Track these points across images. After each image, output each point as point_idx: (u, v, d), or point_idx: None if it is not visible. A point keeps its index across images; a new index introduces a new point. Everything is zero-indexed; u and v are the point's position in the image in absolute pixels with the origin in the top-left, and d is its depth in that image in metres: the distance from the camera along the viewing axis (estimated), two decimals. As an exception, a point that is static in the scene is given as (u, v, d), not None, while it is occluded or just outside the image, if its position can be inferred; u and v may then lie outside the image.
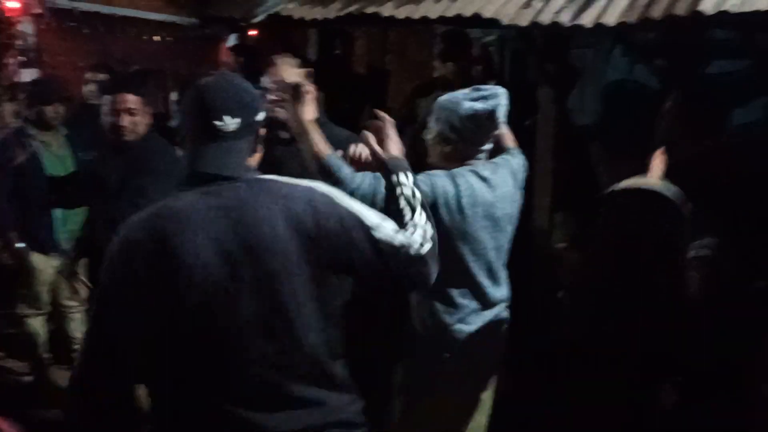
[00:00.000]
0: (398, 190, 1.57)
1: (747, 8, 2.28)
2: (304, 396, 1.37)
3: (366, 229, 1.40)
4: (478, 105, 2.09)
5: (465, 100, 2.11)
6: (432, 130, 2.19)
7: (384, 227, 1.43)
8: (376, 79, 4.63)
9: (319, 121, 2.16)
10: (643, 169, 2.62)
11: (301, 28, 3.64)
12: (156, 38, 6.54)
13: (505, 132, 2.38)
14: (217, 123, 1.38)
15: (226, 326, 1.31)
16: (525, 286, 3.18)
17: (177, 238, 1.30)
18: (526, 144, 3.40)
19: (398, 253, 1.42)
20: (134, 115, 2.70)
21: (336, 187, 1.55)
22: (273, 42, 4.06)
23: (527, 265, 3.19)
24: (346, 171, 1.95)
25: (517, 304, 3.04)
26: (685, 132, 2.93)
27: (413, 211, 1.53)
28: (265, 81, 2.48)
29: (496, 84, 4.18)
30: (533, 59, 3.26)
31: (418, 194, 1.57)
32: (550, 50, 3.07)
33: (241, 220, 1.33)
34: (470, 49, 3.91)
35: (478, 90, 2.13)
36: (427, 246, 1.47)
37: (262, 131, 1.50)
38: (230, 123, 1.39)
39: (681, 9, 2.40)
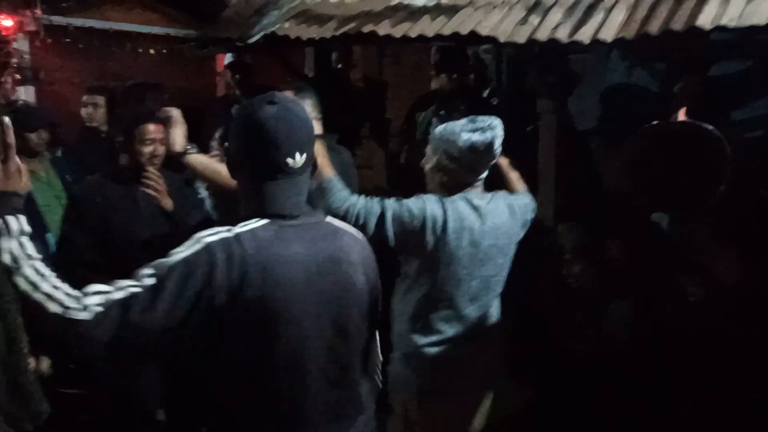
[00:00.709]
0: None
1: (744, 23, 2.27)
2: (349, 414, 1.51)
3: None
4: (476, 137, 2.14)
5: (463, 131, 2.16)
6: (431, 159, 2.23)
7: None
8: (374, 92, 4.63)
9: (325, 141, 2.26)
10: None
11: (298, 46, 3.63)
12: (151, 51, 6.55)
13: (513, 177, 2.50)
14: (290, 161, 1.38)
15: (306, 344, 1.40)
16: (532, 298, 3.20)
17: (274, 268, 1.35)
18: (529, 151, 3.43)
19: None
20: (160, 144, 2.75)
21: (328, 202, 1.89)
22: (270, 59, 4.06)
23: (534, 276, 3.20)
24: (340, 191, 2.09)
25: (525, 316, 3.06)
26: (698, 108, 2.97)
27: None
28: None
29: (494, 91, 4.22)
30: (532, 69, 3.25)
31: None
32: (549, 62, 3.07)
33: (326, 259, 1.42)
34: (465, 60, 3.91)
35: (475, 122, 2.19)
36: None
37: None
38: (300, 160, 1.39)
39: (678, 24, 2.40)
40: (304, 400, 1.42)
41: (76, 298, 1.25)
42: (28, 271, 1.27)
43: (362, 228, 1.95)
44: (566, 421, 2.82)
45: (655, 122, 2.84)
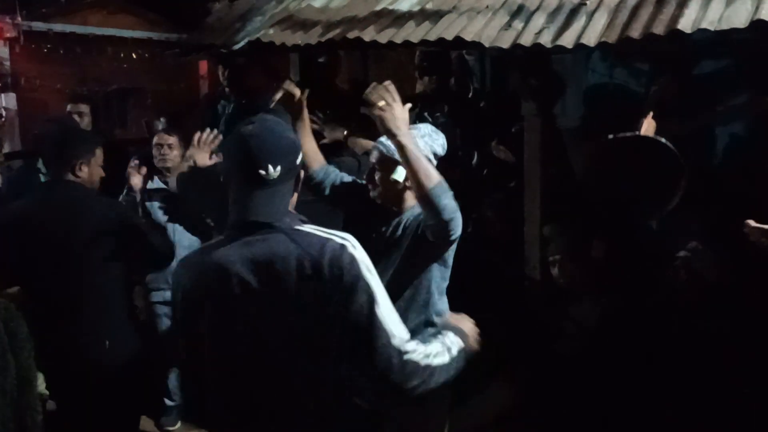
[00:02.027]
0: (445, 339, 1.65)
1: (725, 26, 2.31)
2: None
3: (371, 301, 1.48)
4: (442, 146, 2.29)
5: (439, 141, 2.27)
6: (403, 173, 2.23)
7: (392, 312, 1.52)
8: (358, 96, 4.62)
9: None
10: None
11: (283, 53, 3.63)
12: (133, 56, 6.52)
13: None
14: (262, 172, 1.49)
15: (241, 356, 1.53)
16: (519, 299, 3.24)
17: (221, 284, 1.51)
18: (514, 152, 3.46)
19: (390, 341, 1.48)
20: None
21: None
22: (255, 64, 4.05)
23: (520, 278, 3.24)
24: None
25: (512, 317, 3.09)
26: (673, 107, 3.01)
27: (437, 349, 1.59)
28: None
29: (478, 93, 4.24)
30: (515, 72, 3.27)
31: (454, 351, 1.63)
32: (532, 64, 3.09)
33: (268, 270, 1.49)
34: (449, 64, 3.94)
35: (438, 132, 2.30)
36: (433, 360, 1.55)
37: (302, 173, 1.64)
38: (273, 172, 1.49)
39: (659, 28, 2.43)
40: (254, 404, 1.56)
41: None
42: None
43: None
44: (553, 420, 2.84)
45: (610, 136, 2.89)
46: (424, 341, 1.59)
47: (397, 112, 1.94)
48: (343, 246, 1.50)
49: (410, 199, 2.27)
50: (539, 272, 3.16)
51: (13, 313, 1.57)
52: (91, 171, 2.64)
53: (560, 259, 3.09)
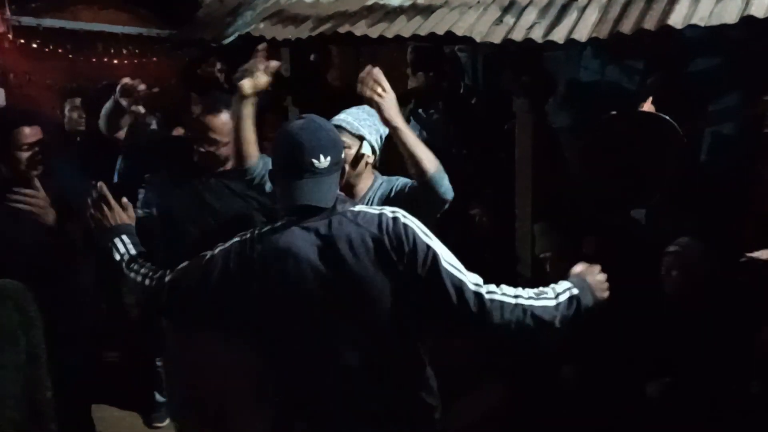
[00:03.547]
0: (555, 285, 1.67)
1: (715, 21, 2.31)
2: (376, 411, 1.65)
3: (433, 254, 1.57)
4: None
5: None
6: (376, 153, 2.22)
7: (455, 262, 1.59)
8: (350, 91, 4.61)
9: None
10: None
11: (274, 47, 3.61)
12: (124, 52, 6.47)
13: None
14: (314, 161, 1.58)
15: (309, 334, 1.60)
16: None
17: (279, 262, 1.58)
18: (506, 150, 3.46)
19: (463, 288, 1.56)
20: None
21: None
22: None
23: (511, 276, 3.23)
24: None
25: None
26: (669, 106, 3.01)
27: (541, 294, 1.62)
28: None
29: (470, 89, 4.24)
30: (507, 69, 3.27)
31: (563, 298, 1.64)
32: (524, 62, 3.08)
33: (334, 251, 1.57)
34: (441, 59, 3.93)
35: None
36: (508, 300, 1.57)
37: (346, 166, 1.74)
38: (323, 161, 1.59)
39: (650, 23, 2.43)
40: (318, 390, 1.63)
41: (153, 275, 1.74)
42: (126, 263, 1.79)
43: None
44: (544, 418, 2.85)
45: (613, 112, 2.87)
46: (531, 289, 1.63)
47: (393, 99, 1.96)
48: (395, 218, 1.60)
49: (368, 177, 2.22)
50: (530, 269, 3.16)
51: (24, 292, 1.62)
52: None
53: (551, 256, 3.09)
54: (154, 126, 3.97)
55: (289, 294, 1.59)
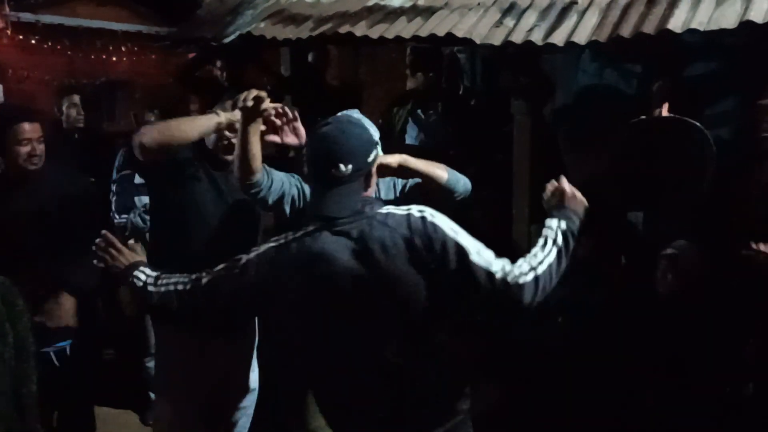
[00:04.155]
0: (546, 230, 1.72)
1: (714, 26, 2.33)
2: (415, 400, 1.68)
3: (463, 250, 1.60)
4: None
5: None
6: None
7: (483, 252, 1.62)
8: (349, 91, 4.63)
9: None
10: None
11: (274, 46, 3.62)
12: (122, 49, 6.48)
13: None
14: (333, 171, 1.61)
15: (345, 333, 1.64)
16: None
17: (316, 267, 1.62)
18: (505, 152, 3.47)
19: (493, 278, 1.59)
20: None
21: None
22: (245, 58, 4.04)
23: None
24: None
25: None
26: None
27: (545, 245, 1.67)
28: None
29: (468, 91, 4.25)
30: (506, 71, 3.28)
31: (560, 238, 1.69)
32: (523, 64, 3.10)
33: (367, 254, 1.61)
34: (440, 60, 3.94)
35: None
36: (528, 277, 1.60)
37: (373, 170, 1.74)
38: (344, 170, 1.61)
39: (650, 27, 2.45)
40: (351, 383, 1.67)
41: (188, 279, 1.76)
42: (151, 281, 1.81)
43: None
44: (539, 418, 2.86)
45: (642, 117, 2.84)
46: (533, 251, 1.67)
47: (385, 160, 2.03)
48: (423, 218, 1.63)
49: None
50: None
51: (10, 287, 1.61)
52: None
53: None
54: (153, 120, 3.97)
55: (326, 297, 1.63)
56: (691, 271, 2.74)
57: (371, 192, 1.79)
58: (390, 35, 2.95)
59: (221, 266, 1.75)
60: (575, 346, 2.88)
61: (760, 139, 2.70)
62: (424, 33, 2.87)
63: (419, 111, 3.94)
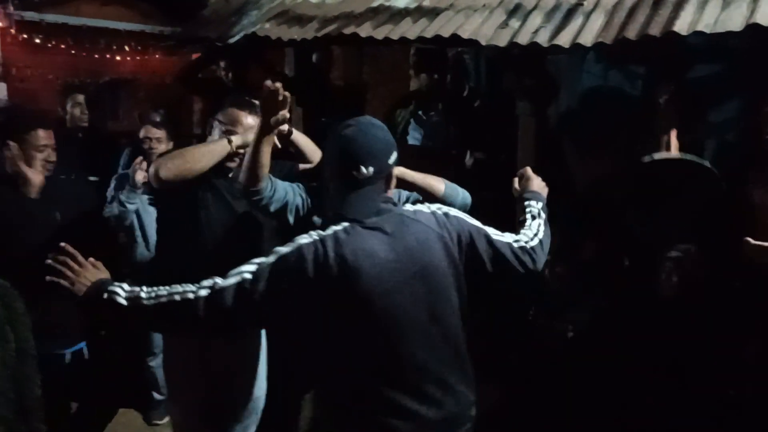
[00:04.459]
0: (528, 209, 2.04)
1: (720, 29, 2.33)
2: (450, 385, 1.72)
3: (484, 233, 1.80)
4: None
5: None
6: None
7: (496, 232, 1.84)
8: (353, 91, 4.63)
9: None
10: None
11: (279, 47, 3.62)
12: (126, 48, 6.47)
13: None
14: (354, 173, 1.65)
15: (390, 324, 1.65)
16: (510, 300, 3.24)
17: (356, 261, 1.62)
18: (509, 152, 3.47)
19: (510, 247, 1.83)
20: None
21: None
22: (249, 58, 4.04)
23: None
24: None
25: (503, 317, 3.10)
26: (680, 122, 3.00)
27: (533, 220, 2.00)
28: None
29: (472, 92, 4.25)
30: (511, 72, 3.27)
31: (541, 213, 2.04)
32: (528, 65, 3.09)
33: (401, 246, 1.68)
34: (444, 61, 3.94)
35: None
36: (534, 242, 1.90)
37: (393, 171, 1.79)
38: (365, 172, 1.66)
39: (656, 29, 2.44)
40: (397, 367, 1.66)
41: (196, 288, 1.61)
42: (144, 296, 1.60)
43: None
44: (541, 421, 2.85)
45: (656, 155, 2.85)
46: (525, 226, 1.97)
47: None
48: (446, 213, 1.79)
49: None
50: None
51: (10, 290, 1.60)
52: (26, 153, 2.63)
53: (550, 262, 3.10)
54: (158, 120, 3.97)
55: (365, 292, 1.62)
56: (695, 273, 2.74)
57: (391, 193, 1.83)
58: (395, 36, 2.95)
59: (246, 268, 1.64)
60: (577, 346, 2.88)
61: (765, 141, 2.70)
62: (429, 34, 2.87)
63: (421, 112, 3.93)
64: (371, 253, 1.64)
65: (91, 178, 3.53)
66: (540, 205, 2.06)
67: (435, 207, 1.80)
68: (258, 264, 1.63)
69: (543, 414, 2.87)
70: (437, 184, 2.17)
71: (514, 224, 3.18)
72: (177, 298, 1.59)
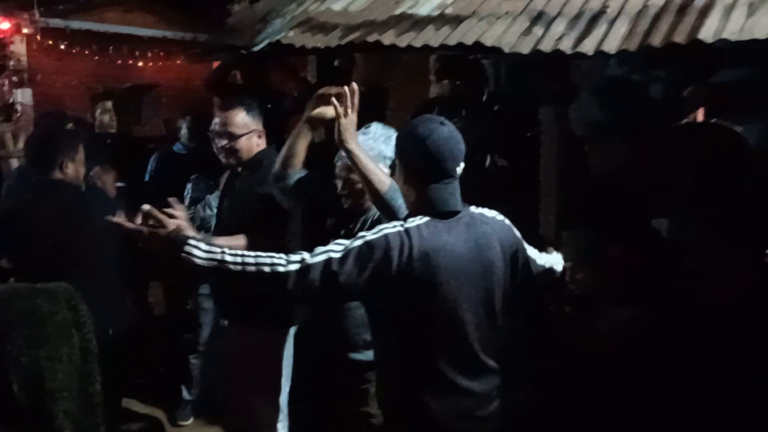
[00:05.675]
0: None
1: (746, 36, 2.33)
2: (492, 367, 1.91)
3: (524, 247, 2.01)
4: None
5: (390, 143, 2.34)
6: None
7: (530, 248, 2.08)
8: (375, 97, 4.65)
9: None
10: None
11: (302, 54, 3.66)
12: (149, 54, 6.55)
13: None
14: (458, 169, 1.82)
15: (459, 313, 1.81)
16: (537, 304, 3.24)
17: (437, 254, 1.76)
18: (531, 156, 3.47)
19: (536, 264, 2.09)
20: None
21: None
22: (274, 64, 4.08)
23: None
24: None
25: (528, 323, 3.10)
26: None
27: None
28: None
29: (495, 96, 4.25)
30: (533, 77, 3.29)
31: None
32: (551, 69, 3.10)
33: (473, 246, 1.83)
34: (466, 67, 3.95)
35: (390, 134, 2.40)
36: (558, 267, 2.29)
37: None
38: (460, 168, 1.83)
39: (680, 36, 2.45)
40: (458, 351, 1.84)
41: (286, 261, 1.71)
42: (229, 259, 1.69)
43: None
44: (571, 426, 2.85)
45: (684, 121, 2.83)
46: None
47: (344, 122, 2.09)
48: (503, 219, 1.97)
49: None
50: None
51: (74, 293, 1.71)
52: (75, 168, 2.77)
53: (573, 266, 3.10)
54: (184, 130, 4.04)
55: (442, 283, 1.76)
56: (730, 275, 2.71)
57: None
58: (418, 44, 2.98)
59: (332, 247, 1.75)
60: (608, 358, 2.87)
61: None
62: (452, 42, 2.90)
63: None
64: (450, 248, 1.78)
65: (118, 184, 3.60)
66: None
67: (497, 214, 1.96)
68: (344, 245, 1.75)
69: (569, 424, 2.87)
70: (381, 184, 2.11)
71: (536, 230, 3.21)
72: (266, 269, 1.69)
